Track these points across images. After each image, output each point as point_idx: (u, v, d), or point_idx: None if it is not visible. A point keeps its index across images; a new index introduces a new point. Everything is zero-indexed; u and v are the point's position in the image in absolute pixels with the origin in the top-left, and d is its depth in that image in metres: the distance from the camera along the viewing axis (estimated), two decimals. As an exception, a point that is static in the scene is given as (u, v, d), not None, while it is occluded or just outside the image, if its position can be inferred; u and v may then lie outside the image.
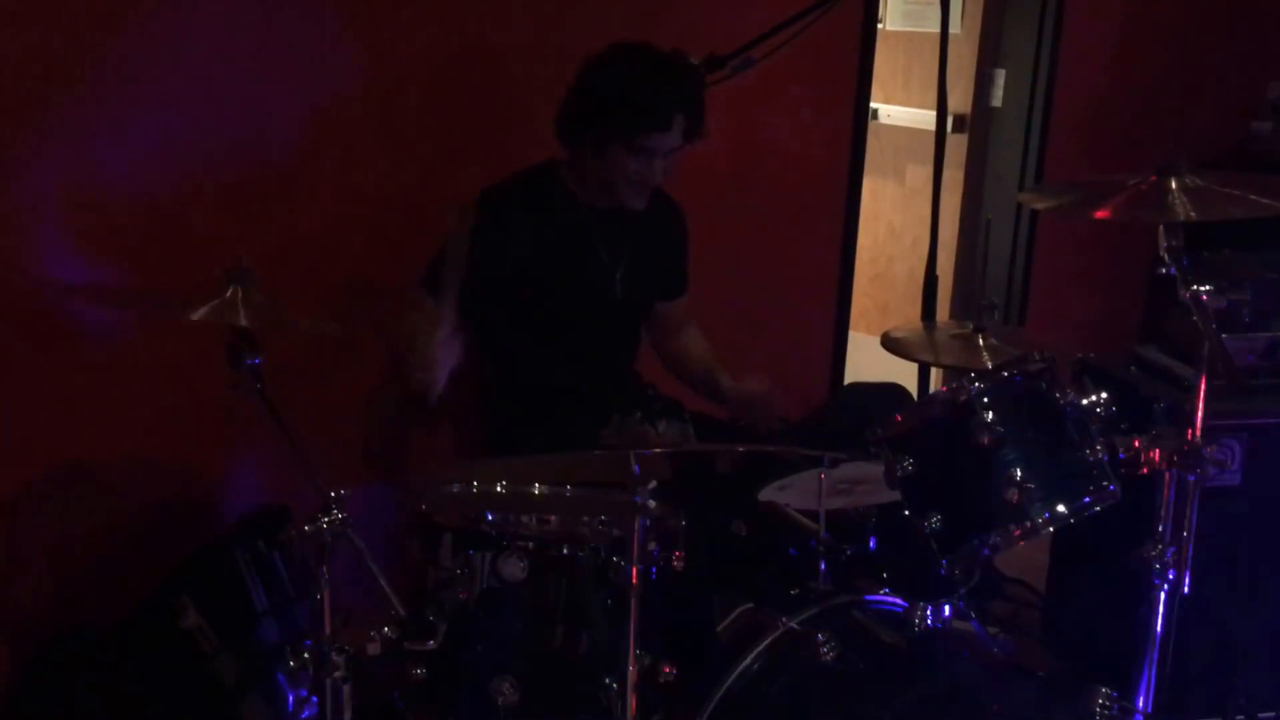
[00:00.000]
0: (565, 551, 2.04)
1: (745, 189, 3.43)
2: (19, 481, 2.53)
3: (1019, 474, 1.91)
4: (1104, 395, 1.98)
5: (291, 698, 2.28)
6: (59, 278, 2.47)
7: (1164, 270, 1.95)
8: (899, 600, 2.19)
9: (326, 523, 1.84)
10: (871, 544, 2.32)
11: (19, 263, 2.45)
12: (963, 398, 1.95)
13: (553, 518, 2.09)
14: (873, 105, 3.88)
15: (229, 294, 1.91)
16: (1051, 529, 1.98)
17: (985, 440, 1.92)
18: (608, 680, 1.96)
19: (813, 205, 3.60)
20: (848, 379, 3.82)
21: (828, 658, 2.04)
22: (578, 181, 2.61)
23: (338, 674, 1.86)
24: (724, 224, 3.29)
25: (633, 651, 1.90)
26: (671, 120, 2.47)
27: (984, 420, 1.92)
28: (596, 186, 2.58)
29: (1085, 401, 1.97)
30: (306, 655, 1.87)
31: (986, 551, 1.97)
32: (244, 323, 1.87)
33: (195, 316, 1.88)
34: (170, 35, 2.52)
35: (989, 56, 4.23)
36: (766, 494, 2.34)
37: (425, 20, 2.82)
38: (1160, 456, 1.97)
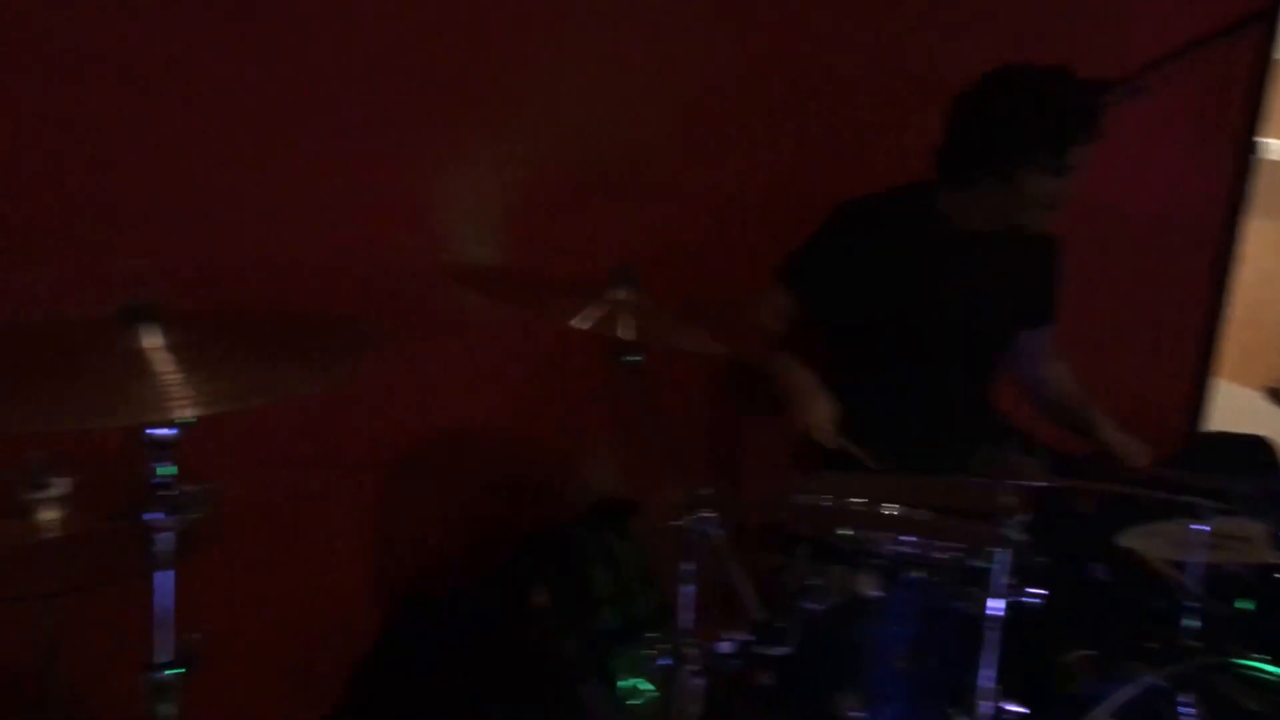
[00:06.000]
0: (919, 575, 2.02)
1: (1110, 220, 3.29)
2: (393, 453, 2.67)
3: None
4: None
5: (631, 686, 2.35)
6: (452, 267, 2.60)
7: None
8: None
9: (692, 519, 1.88)
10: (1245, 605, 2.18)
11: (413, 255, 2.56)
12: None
13: (910, 540, 2.07)
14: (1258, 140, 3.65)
15: (612, 295, 1.99)
16: None
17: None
18: (949, 709, 1.92)
19: (1182, 242, 3.43)
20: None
21: (1188, 720, 1.93)
22: (955, 207, 2.56)
23: (691, 668, 1.90)
24: (1085, 254, 3.16)
25: (991, 687, 1.86)
26: (1097, 128, 2.42)
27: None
28: (992, 214, 2.53)
29: None
30: (663, 647, 1.91)
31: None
32: (623, 332, 1.93)
33: (577, 320, 1.95)
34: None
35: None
36: (1127, 539, 2.24)
37: (789, 26, 2.84)
38: None
